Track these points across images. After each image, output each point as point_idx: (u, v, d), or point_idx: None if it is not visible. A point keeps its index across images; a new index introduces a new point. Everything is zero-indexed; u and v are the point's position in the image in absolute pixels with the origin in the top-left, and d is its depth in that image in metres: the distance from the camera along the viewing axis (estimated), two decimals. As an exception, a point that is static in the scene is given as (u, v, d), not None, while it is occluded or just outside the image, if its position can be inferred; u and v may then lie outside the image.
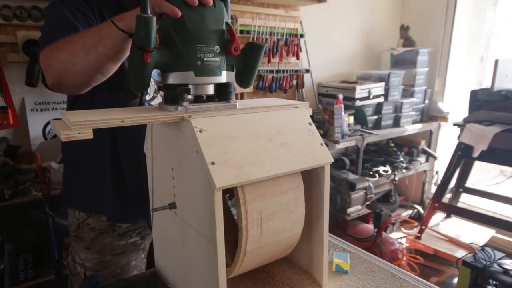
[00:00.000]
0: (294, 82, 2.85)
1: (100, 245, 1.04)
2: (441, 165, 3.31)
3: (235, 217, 0.79)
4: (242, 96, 2.53)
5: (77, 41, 0.78)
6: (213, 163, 0.56)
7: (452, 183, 2.83)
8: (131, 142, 0.98)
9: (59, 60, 0.81)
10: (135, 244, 1.08)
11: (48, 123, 1.93)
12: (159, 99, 1.03)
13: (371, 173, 2.83)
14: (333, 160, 0.71)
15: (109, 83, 0.93)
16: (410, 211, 3.25)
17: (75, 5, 0.91)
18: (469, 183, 2.95)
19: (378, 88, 2.87)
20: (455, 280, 2.43)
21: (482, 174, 3.43)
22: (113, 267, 1.05)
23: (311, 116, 0.74)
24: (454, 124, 2.60)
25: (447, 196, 2.94)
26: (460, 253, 2.43)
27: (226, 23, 0.65)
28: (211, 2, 0.63)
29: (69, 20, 0.88)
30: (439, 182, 2.92)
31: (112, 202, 1.02)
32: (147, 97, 1.01)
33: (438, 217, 2.95)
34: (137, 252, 1.10)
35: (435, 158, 3.32)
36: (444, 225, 2.89)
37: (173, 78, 0.65)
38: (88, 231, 1.04)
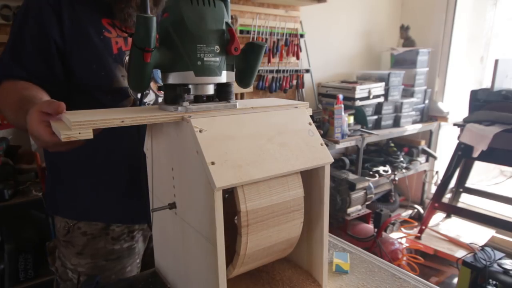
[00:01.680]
0: (294, 82, 2.85)
1: (93, 250, 1.00)
2: (441, 165, 3.31)
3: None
4: (242, 96, 2.52)
5: (6, 109, 0.85)
6: (213, 163, 0.56)
7: (452, 183, 2.83)
8: (125, 142, 0.96)
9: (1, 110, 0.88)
10: (130, 249, 1.06)
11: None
12: (152, 96, 1.02)
13: (371, 173, 2.83)
14: (333, 160, 0.71)
15: (95, 86, 0.92)
16: (410, 211, 3.25)
17: (38, 19, 0.88)
18: (469, 183, 2.95)
19: (378, 88, 2.87)
20: (455, 280, 2.43)
21: (482, 174, 3.43)
22: (108, 273, 1.02)
23: (311, 116, 0.74)
24: (454, 124, 2.60)
25: (447, 196, 2.94)
26: (460, 253, 2.43)
27: (226, 23, 0.65)
28: None
29: (17, 53, 0.89)
30: (439, 182, 2.92)
31: (108, 204, 1.00)
32: (139, 95, 0.98)
33: (438, 217, 2.95)
34: (132, 257, 1.07)
35: (435, 158, 3.32)
36: (444, 225, 2.89)
37: (173, 78, 0.65)
38: (80, 236, 1.00)
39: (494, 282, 1.68)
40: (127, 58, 0.95)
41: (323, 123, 2.61)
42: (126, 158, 0.99)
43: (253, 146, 0.62)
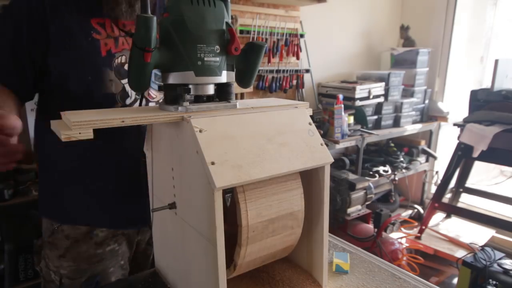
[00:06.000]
0: (294, 82, 2.85)
1: (75, 253, 0.98)
2: (441, 165, 3.31)
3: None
4: (242, 96, 2.52)
5: None
6: (213, 163, 0.56)
7: (452, 183, 2.83)
8: (125, 144, 0.94)
9: None
10: (113, 251, 1.03)
11: (48, 123, 1.92)
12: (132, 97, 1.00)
13: (371, 173, 2.83)
14: (333, 160, 0.71)
15: (82, 92, 0.88)
16: (410, 211, 3.25)
17: (21, 16, 0.84)
18: (469, 183, 2.95)
19: (378, 88, 2.87)
20: (455, 280, 2.43)
21: (482, 174, 3.43)
22: (90, 274, 1.00)
23: (311, 116, 0.74)
24: (454, 124, 2.60)
25: (447, 196, 2.94)
26: (460, 253, 2.43)
27: (226, 23, 0.65)
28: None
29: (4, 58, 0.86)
30: (439, 182, 2.91)
31: (94, 208, 0.97)
32: (128, 101, 0.94)
33: (438, 217, 2.95)
34: (115, 259, 1.04)
35: (435, 158, 3.32)
36: (444, 225, 2.89)
37: (173, 78, 0.65)
38: (63, 239, 0.98)
39: (494, 282, 1.68)
40: (116, 60, 0.91)
41: (323, 123, 2.61)
42: (120, 163, 0.95)
43: (253, 146, 0.62)
